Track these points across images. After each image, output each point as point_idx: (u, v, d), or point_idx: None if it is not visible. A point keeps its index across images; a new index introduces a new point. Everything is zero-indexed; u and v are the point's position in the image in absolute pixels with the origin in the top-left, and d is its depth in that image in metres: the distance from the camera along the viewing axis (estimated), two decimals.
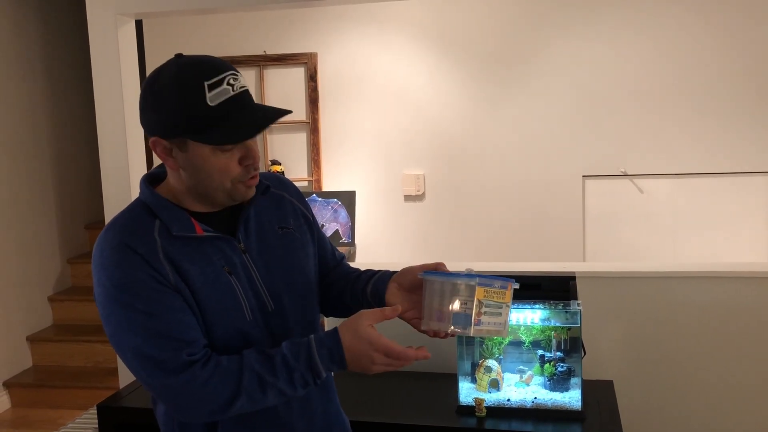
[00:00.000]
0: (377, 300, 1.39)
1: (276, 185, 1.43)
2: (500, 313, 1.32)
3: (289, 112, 1.25)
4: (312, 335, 1.24)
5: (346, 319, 1.26)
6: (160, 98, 1.20)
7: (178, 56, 1.23)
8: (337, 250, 1.58)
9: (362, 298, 1.42)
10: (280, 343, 1.30)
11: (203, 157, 1.21)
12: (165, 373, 1.18)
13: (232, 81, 1.20)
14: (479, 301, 1.29)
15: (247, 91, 1.23)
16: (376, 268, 1.47)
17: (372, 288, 1.41)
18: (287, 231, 1.39)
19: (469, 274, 1.30)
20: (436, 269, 1.34)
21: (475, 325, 1.29)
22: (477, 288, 1.28)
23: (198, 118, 1.18)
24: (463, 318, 1.28)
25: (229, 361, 1.21)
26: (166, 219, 1.25)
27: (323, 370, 1.22)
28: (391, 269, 1.43)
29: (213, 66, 1.20)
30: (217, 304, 1.25)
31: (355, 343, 1.21)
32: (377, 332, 1.22)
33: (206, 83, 1.17)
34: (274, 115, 1.23)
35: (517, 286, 1.36)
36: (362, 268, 1.50)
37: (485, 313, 1.30)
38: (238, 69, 1.26)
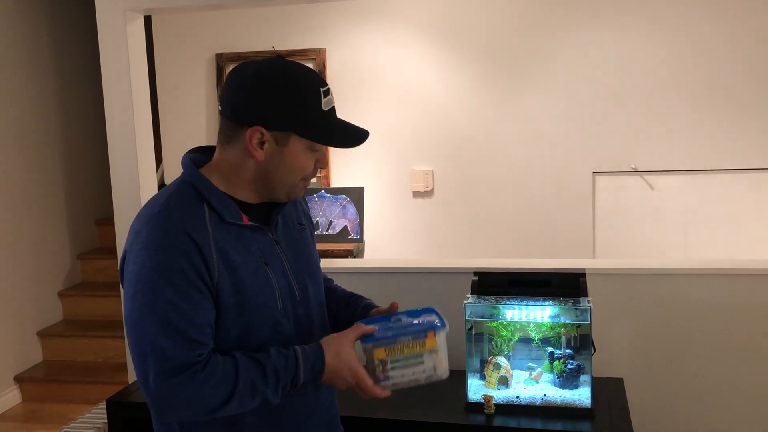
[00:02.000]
0: None
1: None
2: (422, 362, 1.34)
3: (368, 134, 1.43)
4: (298, 347, 1.30)
5: (332, 335, 1.35)
6: (276, 91, 1.28)
7: (281, 57, 1.35)
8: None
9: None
10: (303, 333, 1.37)
11: (297, 153, 1.31)
12: (169, 366, 1.19)
13: (331, 95, 1.36)
14: (380, 361, 1.32)
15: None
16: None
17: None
18: (303, 227, 1.49)
19: (371, 337, 1.33)
20: (390, 311, 1.43)
21: (382, 381, 1.33)
22: (374, 350, 1.32)
23: (312, 118, 1.31)
24: (373, 376, 1.33)
25: (224, 364, 1.23)
26: (217, 205, 1.29)
27: (302, 381, 1.28)
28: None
29: (319, 77, 1.35)
30: (257, 294, 1.29)
31: (336, 365, 1.30)
32: (357, 359, 1.31)
33: (321, 90, 1.32)
34: (366, 132, 1.42)
35: (443, 330, 1.36)
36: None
37: (395, 368, 1.32)
38: None
